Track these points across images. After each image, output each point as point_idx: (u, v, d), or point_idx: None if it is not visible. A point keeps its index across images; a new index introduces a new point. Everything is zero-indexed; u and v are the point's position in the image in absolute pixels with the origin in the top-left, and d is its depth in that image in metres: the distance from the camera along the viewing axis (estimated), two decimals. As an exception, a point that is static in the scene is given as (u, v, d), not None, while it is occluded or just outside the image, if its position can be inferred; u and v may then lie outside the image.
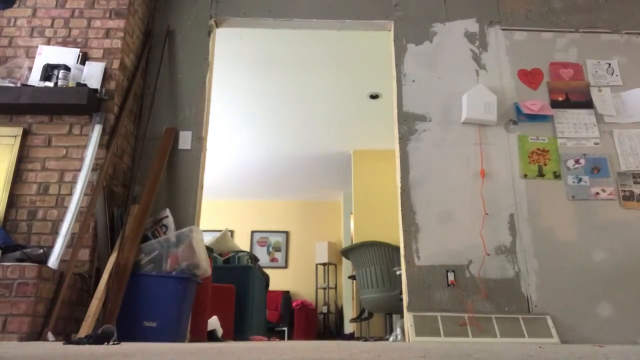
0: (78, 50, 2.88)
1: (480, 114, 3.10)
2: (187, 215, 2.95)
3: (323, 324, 7.85)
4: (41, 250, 2.33)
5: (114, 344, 1.69)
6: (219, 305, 3.44)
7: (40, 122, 2.74)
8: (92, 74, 2.82)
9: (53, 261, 2.35)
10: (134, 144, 3.08)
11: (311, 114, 5.43)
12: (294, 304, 7.55)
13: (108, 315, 2.32)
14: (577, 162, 3.08)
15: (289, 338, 7.17)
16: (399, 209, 3.00)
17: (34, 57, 2.85)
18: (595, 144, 3.12)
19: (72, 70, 2.76)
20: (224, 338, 3.32)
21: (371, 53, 4.27)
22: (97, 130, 2.71)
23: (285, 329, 7.27)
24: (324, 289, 8.02)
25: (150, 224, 2.81)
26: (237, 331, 3.74)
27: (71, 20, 2.97)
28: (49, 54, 2.86)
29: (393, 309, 3.79)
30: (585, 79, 3.28)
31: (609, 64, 3.31)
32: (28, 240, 2.51)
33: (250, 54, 4.30)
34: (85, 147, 2.70)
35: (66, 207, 2.57)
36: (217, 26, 3.43)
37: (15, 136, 2.69)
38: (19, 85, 2.70)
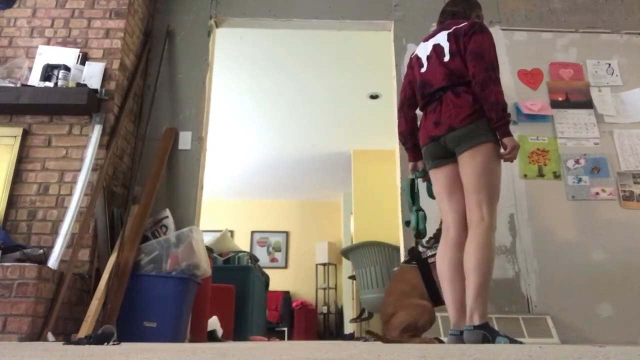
0: (78, 50, 2.88)
1: (480, 114, 3.10)
2: (187, 215, 2.95)
3: (323, 324, 7.85)
4: (41, 251, 2.33)
5: (114, 344, 1.69)
6: (219, 305, 3.44)
7: (40, 122, 2.74)
8: (92, 74, 2.81)
9: (53, 261, 2.35)
10: (134, 144, 3.08)
11: (311, 114, 5.43)
12: (294, 304, 7.55)
13: (108, 315, 2.32)
14: (577, 162, 3.08)
15: (289, 338, 7.17)
16: (399, 209, 3.00)
17: (34, 57, 2.85)
18: (595, 144, 3.12)
19: (72, 71, 2.76)
20: (224, 338, 3.32)
21: (371, 53, 4.27)
22: (97, 130, 2.71)
23: (285, 329, 7.27)
24: (324, 289, 8.01)
25: (150, 224, 2.81)
26: (237, 331, 3.73)
27: (71, 20, 2.96)
28: (49, 54, 2.86)
29: (393, 309, 3.78)
30: (585, 79, 3.28)
31: (609, 64, 3.31)
32: (28, 241, 2.51)
33: (250, 54, 4.30)
34: (85, 147, 2.70)
35: (66, 207, 2.57)
36: (217, 26, 3.43)
37: (15, 136, 2.69)
38: (19, 85, 2.70)
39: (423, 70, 2.10)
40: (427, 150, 2.08)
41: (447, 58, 2.01)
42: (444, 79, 1.99)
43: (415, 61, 2.18)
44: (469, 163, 1.92)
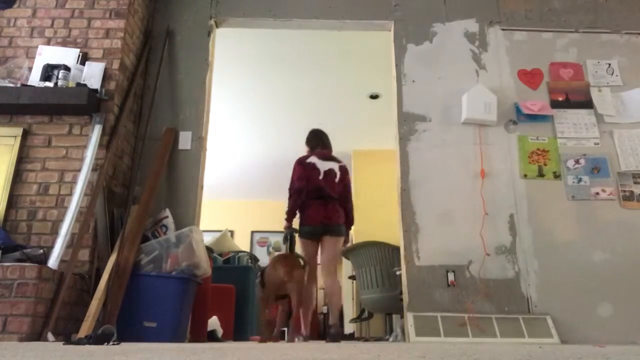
0: (78, 50, 2.88)
1: (480, 114, 3.10)
2: (187, 215, 2.95)
3: (323, 324, 7.84)
4: (41, 251, 2.33)
5: (114, 344, 1.69)
6: (219, 305, 3.44)
7: (40, 122, 2.74)
8: (92, 74, 2.81)
9: (53, 261, 2.35)
10: (134, 144, 3.08)
11: (311, 113, 5.42)
12: (294, 304, 7.53)
13: (108, 315, 2.32)
14: (577, 162, 3.08)
15: (289, 338, 7.16)
16: (399, 209, 3.00)
17: (34, 57, 2.85)
18: (595, 144, 3.12)
19: (72, 71, 2.76)
20: (224, 338, 3.32)
21: (371, 53, 4.26)
22: (97, 130, 2.71)
23: (286, 329, 7.26)
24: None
25: (150, 224, 2.81)
26: (237, 331, 3.73)
27: (71, 20, 2.96)
28: (49, 54, 2.86)
29: (393, 309, 3.78)
30: (585, 79, 3.28)
31: (609, 64, 3.31)
32: (28, 241, 2.51)
33: (250, 54, 4.30)
34: (85, 147, 2.70)
35: (66, 207, 2.56)
36: (217, 26, 3.43)
37: (15, 136, 2.69)
38: (19, 85, 2.70)
39: (320, 177, 3.09)
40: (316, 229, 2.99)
41: (337, 180, 3.12)
42: (336, 193, 3.07)
43: (313, 168, 3.15)
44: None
